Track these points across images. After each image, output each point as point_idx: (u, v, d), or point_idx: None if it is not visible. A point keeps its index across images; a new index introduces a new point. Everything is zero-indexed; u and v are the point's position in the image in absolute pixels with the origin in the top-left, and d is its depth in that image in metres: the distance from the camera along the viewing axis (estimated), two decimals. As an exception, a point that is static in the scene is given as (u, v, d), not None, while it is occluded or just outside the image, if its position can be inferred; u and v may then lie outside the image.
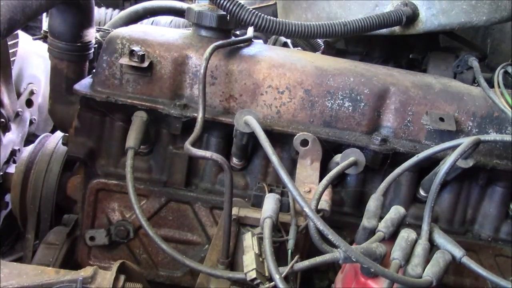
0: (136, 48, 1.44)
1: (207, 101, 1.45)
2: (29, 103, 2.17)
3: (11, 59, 1.92)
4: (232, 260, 1.30)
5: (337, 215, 1.51)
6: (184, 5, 2.50)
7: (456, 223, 1.59)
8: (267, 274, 1.11)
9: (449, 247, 1.10)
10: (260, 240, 1.20)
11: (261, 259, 1.14)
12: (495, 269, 1.58)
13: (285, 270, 1.04)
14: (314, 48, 2.28)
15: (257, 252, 1.14)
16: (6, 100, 1.88)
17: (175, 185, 1.55)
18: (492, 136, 1.42)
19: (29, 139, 2.18)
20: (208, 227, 1.57)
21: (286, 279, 1.05)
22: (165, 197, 1.55)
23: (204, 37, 1.54)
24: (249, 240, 1.19)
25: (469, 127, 1.49)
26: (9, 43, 1.87)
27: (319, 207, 1.20)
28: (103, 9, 4.11)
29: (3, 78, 1.83)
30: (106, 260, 1.60)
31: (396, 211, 1.16)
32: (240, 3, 1.39)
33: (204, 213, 1.56)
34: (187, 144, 1.29)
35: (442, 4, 1.56)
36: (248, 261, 1.12)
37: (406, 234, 1.09)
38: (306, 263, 1.01)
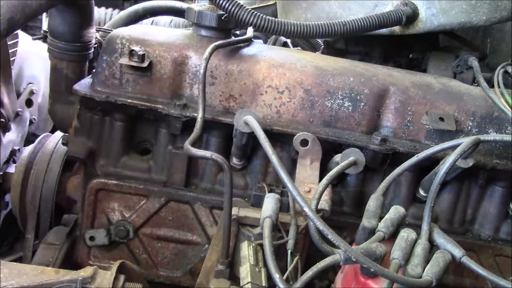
0: (136, 48, 1.44)
1: (207, 101, 1.45)
2: (29, 103, 2.16)
3: (11, 59, 1.92)
4: (232, 260, 1.30)
5: (337, 215, 1.51)
6: (184, 5, 2.49)
7: (456, 223, 1.59)
8: (263, 283, 1.11)
9: (449, 247, 1.10)
10: (258, 247, 1.20)
11: (257, 269, 1.14)
12: (495, 269, 1.58)
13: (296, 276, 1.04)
14: (314, 48, 2.28)
15: (252, 262, 1.15)
16: (6, 100, 1.88)
17: (175, 185, 1.55)
18: (492, 136, 1.42)
19: (29, 139, 2.18)
20: (208, 227, 1.57)
21: (286, 279, 1.05)
22: (165, 197, 1.55)
23: (204, 37, 1.54)
24: (245, 250, 1.19)
25: (469, 127, 1.49)
26: (9, 43, 1.87)
27: (319, 207, 1.20)
28: (103, 9, 4.10)
29: (3, 78, 1.82)
30: (106, 260, 1.59)
31: (396, 211, 1.16)
32: (239, 3, 1.40)
33: (204, 213, 1.56)
34: (187, 144, 1.29)
35: (442, 4, 1.56)
36: (244, 274, 1.13)
37: (406, 234, 1.09)
38: (309, 273, 1.01)
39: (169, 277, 1.60)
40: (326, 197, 1.30)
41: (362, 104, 1.48)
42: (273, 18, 1.43)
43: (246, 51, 1.54)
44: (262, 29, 1.42)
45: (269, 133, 1.35)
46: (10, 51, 1.88)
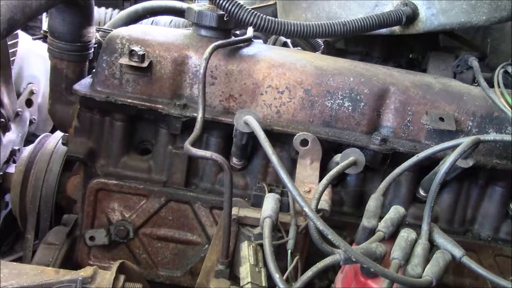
0: (136, 48, 1.44)
1: (207, 101, 1.45)
2: (29, 103, 2.17)
3: (11, 59, 1.92)
4: (232, 260, 1.30)
5: (337, 215, 1.51)
6: (184, 5, 2.50)
7: (456, 223, 1.59)
8: (263, 284, 1.11)
9: (449, 247, 1.10)
10: (258, 247, 1.20)
11: (257, 269, 1.14)
12: (495, 269, 1.58)
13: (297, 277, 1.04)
14: (314, 48, 2.28)
15: (252, 263, 1.15)
16: (6, 100, 1.88)
17: (175, 185, 1.55)
18: (492, 136, 1.41)
19: (29, 139, 2.18)
20: (208, 227, 1.57)
21: (286, 279, 1.05)
22: (165, 197, 1.55)
23: (204, 37, 1.54)
24: (245, 250, 1.19)
25: (469, 127, 1.49)
26: (9, 43, 1.87)
27: (319, 207, 1.20)
28: (103, 9, 4.11)
29: (3, 78, 1.83)
30: (106, 260, 1.59)
31: (396, 211, 1.16)
32: (239, 3, 1.40)
33: (204, 213, 1.56)
34: (187, 144, 1.29)
35: (442, 4, 1.56)
36: (244, 274, 1.13)
37: (406, 234, 1.09)
38: (309, 273, 1.01)
39: (169, 277, 1.60)
40: (326, 197, 1.30)
41: (362, 104, 1.48)
42: (273, 18, 1.43)
43: (246, 51, 1.54)
44: (262, 29, 1.42)
45: (269, 133, 1.35)
46: (10, 51, 1.88)
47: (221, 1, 1.38)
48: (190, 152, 1.28)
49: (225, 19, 1.50)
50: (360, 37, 1.74)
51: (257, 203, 1.31)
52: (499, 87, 1.47)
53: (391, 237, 1.11)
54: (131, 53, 1.43)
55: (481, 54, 1.73)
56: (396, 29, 1.59)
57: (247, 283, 1.10)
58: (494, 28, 2.04)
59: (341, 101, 1.48)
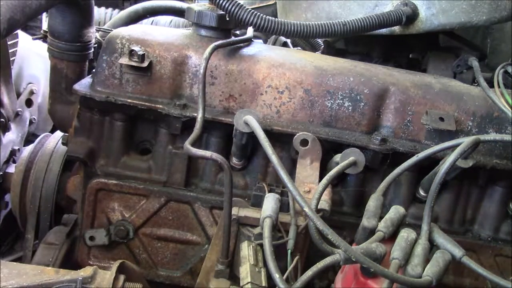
0: (135, 48, 1.44)
1: (207, 101, 1.45)
2: (29, 103, 2.17)
3: (11, 59, 1.92)
4: (232, 260, 1.30)
5: (337, 215, 1.51)
6: (184, 5, 2.50)
7: (456, 223, 1.59)
8: (263, 284, 1.11)
9: (449, 247, 1.10)
10: (258, 247, 1.20)
11: (257, 269, 1.14)
12: (494, 269, 1.58)
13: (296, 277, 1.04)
14: (314, 48, 2.28)
15: (252, 263, 1.15)
16: (6, 100, 1.88)
17: (175, 185, 1.55)
18: (492, 136, 1.42)
19: (29, 139, 2.18)
20: (208, 227, 1.57)
21: (286, 279, 1.05)
22: (165, 197, 1.55)
23: (204, 37, 1.54)
24: (245, 250, 1.19)
25: (469, 127, 1.49)
26: (9, 43, 1.87)
27: (319, 207, 1.20)
28: (103, 9, 4.11)
29: (3, 78, 1.83)
30: (106, 260, 1.59)
31: (396, 211, 1.16)
32: (239, 3, 1.40)
33: (204, 213, 1.56)
34: (187, 144, 1.29)
35: (442, 4, 1.56)
36: (244, 274, 1.13)
37: (406, 234, 1.09)
38: (309, 273, 1.01)
39: (169, 277, 1.60)
40: (326, 197, 1.30)
41: (362, 104, 1.48)
42: (273, 18, 1.43)
43: (246, 51, 1.54)
44: (262, 29, 1.42)
45: (269, 133, 1.35)
46: (10, 51, 1.88)
47: (221, 1, 1.38)
48: (190, 152, 1.28)
49: (223, 19, 1.50)
50: (360, 37, 1.74)
51: (257, 203, 1.31)
52: (499, 87, 1.47)
53: (391, 237, 1.11)
54: (131, 53, 1.43)
55: (481, 54, 1.73)
56: (396, 29, 1.59)
57: (247, 283, 1.10)
58: (494, 28, 2.05)
59: (341, 101, 1.48)
